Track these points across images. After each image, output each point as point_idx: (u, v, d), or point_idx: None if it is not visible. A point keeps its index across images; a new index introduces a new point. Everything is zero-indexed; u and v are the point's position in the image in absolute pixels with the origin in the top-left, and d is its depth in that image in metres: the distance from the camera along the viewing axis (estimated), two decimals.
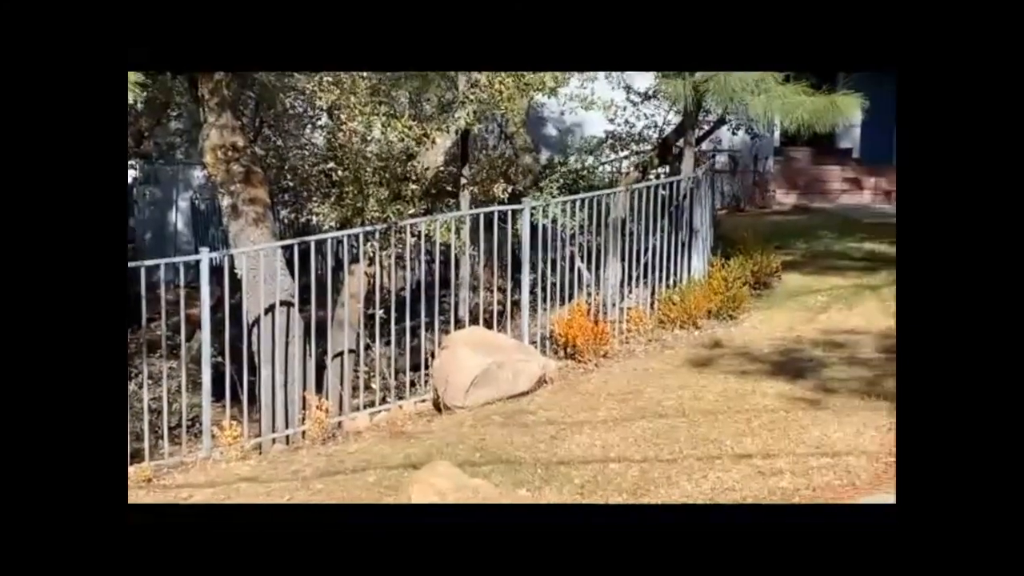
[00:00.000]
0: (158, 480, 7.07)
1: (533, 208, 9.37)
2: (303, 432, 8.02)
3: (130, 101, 6.59)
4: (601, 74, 13.43)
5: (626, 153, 13.69)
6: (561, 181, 11.78)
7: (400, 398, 8.66)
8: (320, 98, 9.21)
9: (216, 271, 8.47)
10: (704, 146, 14.87)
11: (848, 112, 10.75)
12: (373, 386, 8.89)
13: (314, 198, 10.01)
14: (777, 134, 18.94)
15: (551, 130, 17.77)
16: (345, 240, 8.92)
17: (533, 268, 9.38)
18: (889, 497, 5.60)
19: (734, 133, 15.48)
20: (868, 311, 10.35)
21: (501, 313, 9.35)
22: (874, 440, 6.60)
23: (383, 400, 8.65)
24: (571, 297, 9.54)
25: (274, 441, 8.16)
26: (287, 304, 8.68)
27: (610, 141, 13.74)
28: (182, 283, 7.74)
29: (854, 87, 11.03)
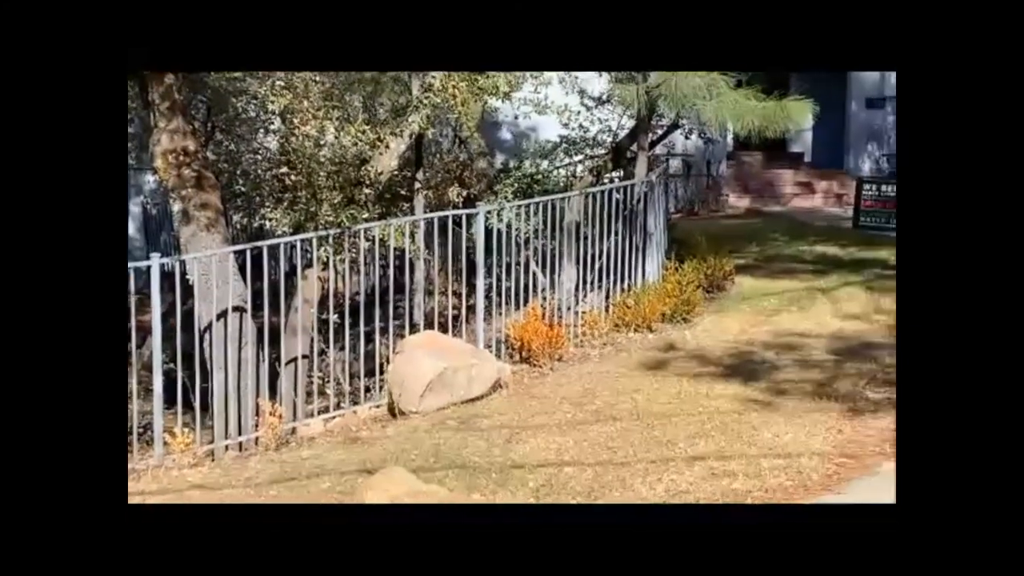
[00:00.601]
0: None
1: (488, 212, 9.37)
2: (256, 438, 7.94)
3: None
4: (555, 79, 13.47)
5: (580, 157, 13.75)
6: (516, 185, 11.81)
7: (355, 403, 8.60)
8: (273, 102, 9.14)
9: (167, 277, 8.36)
10: (658, 150, 14.97)
11: (799, 117, 10.89)
12: (327, 392, 8.82)
13: (267, 203, 9.93)
14: (730, 138, 19.12)
15: (505, 134, 17.79)
16: (298, 245, 8.87)
17: (488, 272, 9.38)
18: (838, 497, 5.68)
19: (687, 137, 15.61)
20: (819, 314, 10.47)
21: (456, 317, 9.32)
22: (825, 441, 6.67)
23: (337, 405, 8.59)
24: (526, 301, 9.55)
25: (227, 448, 8.08)
26: (240, 310, 8.60)
27: (564, 145, 13.79)
28: (133, 289, 7.64)
29: (806, 92, 11.17)
